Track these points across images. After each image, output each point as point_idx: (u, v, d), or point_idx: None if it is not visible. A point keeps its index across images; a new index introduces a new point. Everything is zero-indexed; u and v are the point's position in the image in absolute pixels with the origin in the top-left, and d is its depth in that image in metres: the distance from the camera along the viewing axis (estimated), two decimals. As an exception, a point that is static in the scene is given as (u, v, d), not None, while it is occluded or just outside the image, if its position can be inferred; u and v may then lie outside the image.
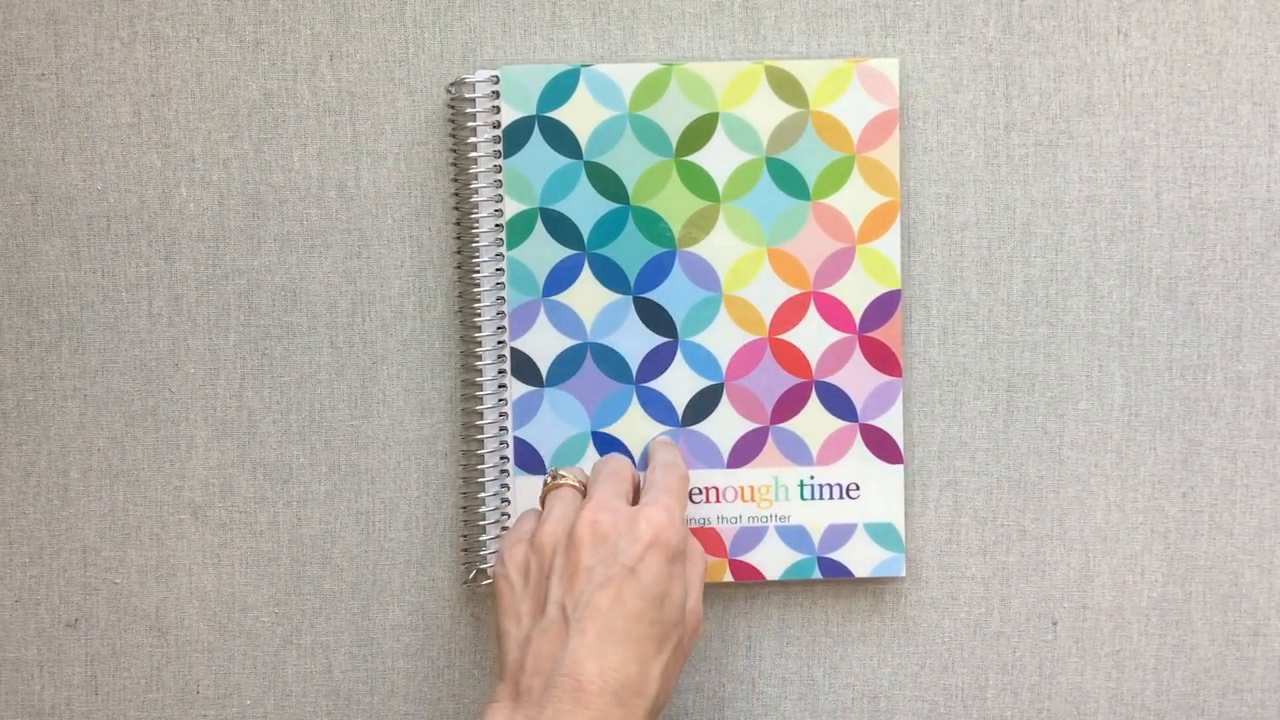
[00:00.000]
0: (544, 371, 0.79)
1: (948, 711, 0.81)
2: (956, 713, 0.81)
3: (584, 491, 0.74)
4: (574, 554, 0.68)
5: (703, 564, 0.74)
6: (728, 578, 0.79)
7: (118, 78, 0.79)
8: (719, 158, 0.78)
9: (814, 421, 0.79)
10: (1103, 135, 0.79)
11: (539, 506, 0.75)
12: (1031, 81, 0.79)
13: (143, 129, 0.79)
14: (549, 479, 0.75)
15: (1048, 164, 0.79)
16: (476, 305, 0.79)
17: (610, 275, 0.78)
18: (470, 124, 0.78)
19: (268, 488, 0.80)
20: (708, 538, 0.79)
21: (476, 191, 0.78)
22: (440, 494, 0.80)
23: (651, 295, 0.79)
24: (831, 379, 0.79)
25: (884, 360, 0.79)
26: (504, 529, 0.79)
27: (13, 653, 0.81)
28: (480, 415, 0.79)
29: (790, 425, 0.79)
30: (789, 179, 0.78)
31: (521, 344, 0.79)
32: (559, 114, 0.78)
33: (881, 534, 0.79)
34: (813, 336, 0.79)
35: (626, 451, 0.79)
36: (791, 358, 0.79)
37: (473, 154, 0.78)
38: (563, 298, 0.79)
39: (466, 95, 0.78)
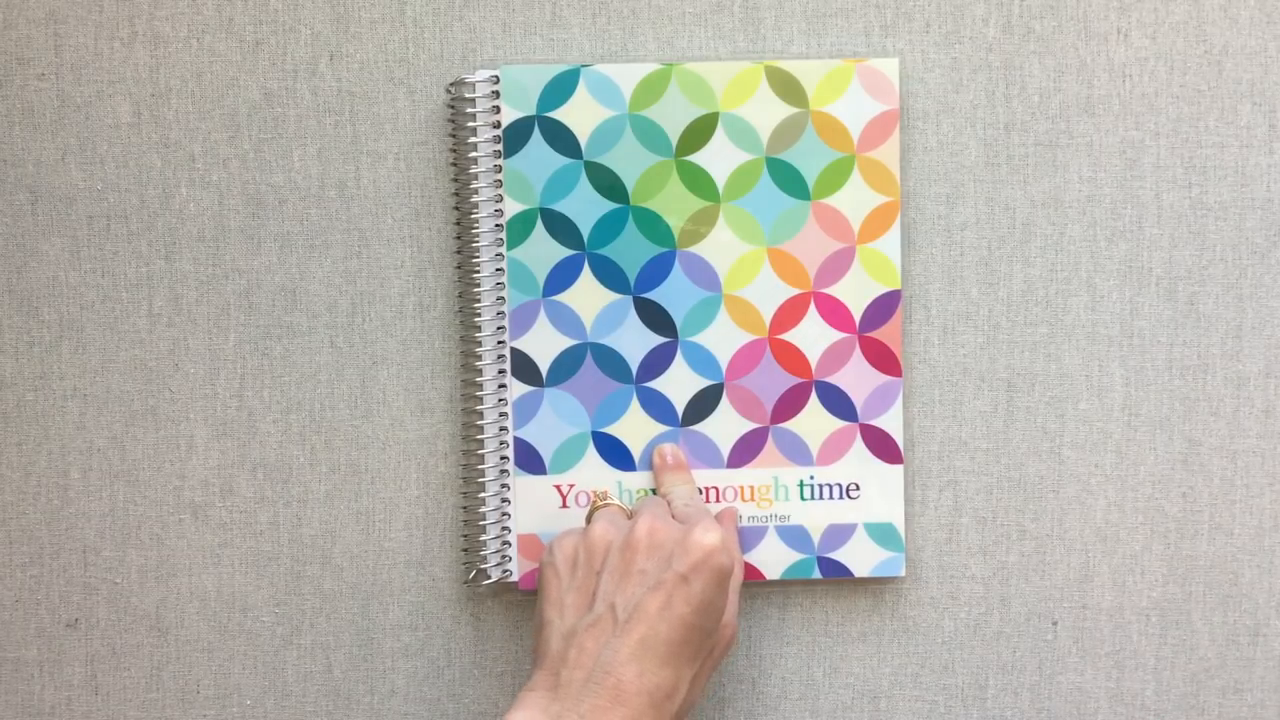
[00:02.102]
0: (544, 371, 0.79)
1: (948, 711, 0.81)
2: (956, 713, 0.81)
3: (629, 515, 0.75)
4: (629, 555, 0.69)
5: (739, 582, 0.76)
6: (728, 578, 0.80)
7: (118, 78, 0.79)
8: (719, 158, 0.78)
9: (814, 421, 0.79)
10: (1103, 135, 0.79)
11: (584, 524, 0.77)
12: (1031, 81, 0.79)
13: (143, 129, 0.79)
14: (596, 499, 0.77)
15: (1048, 164, 0.79)
16: (476, 305, 0.79)
17: (610, 275, 0.78)
18: (470, 124, 0.78)
19: (268, 488, 0.80)
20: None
21: (476, 191, 0.78)
22: (440, 494, 0.80)
23: (651, 295, 0.79)
24: (831, 379, 0.79)
25: (884, 360, 0.79)
26: (504, 529, 0.79)
27: (13, 653, 0.81)
28: (480, 415, 0.79)
29: (790, 425, 0.79)
30: (789, 179, 0.78)
31: (521, 344, 0.79)
32: (559, 114, 0.78)
33: (881, 534, 0.79)
34: (813, 336, 0.79)
35: (626, 451, 0.79)
36: (791, 358, 0.79)
37: (473, 154, 0.78)
38: (563, 298, 0.79)
39: (466, 95, 0.78)
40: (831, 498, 0.79)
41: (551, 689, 0.67)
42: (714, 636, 0.70)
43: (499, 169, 0.78)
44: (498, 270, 0.78)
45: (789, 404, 0.79)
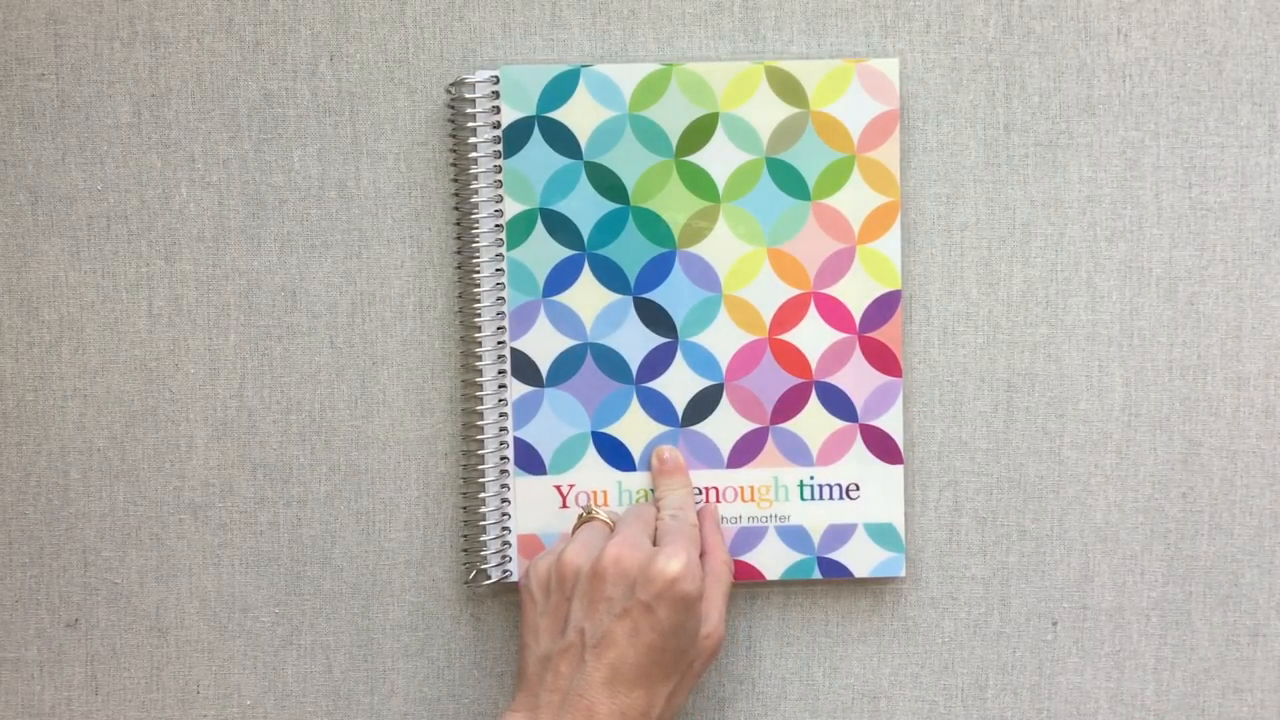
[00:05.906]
0: (544, 371, 0.79)
1: (948, 711, 0.81)
2: (956, 713, 0.81)
3: (613, 529, 0.76)
4: (597, 582, 0.70)
5: (726, 585, 0.76)
6: (728, 578, 0.80)
7: (118, 78, 0.79)
8: (719, 158, 0.78)
9: (814, 422, 0.79)
10: (1103, 135, 0.79)
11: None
12: (1031, 81, 0.79)
13: (143, 129, 0.79)
14: (583, 513, 0.78)
15: (1048, 164, 0.79)
16: (476, 305, 0.79)
17: (610, 275, 0.78)
18: (470, 124, 0.78)
19: (268, 488, 0.80)
20: (708, 538, 0.79)
21: (476, 192, 0.78)
22: (440, 494, 0.80)
23: (651, 295, 0.79)
24: (831, 379, 0.79)
25: (884, 360, 0.79)
26: (504, 529, 0.79)
27: (13, 653, 0.81)
28: (480, 415, 0.79)
29: (790, 425, 0.79)
30: (789, 179, 0.78)
31: (521, 344, 0.79)
32: (559, 114, 0.78)
33: (881, 534, 0.79)
34: (813, 336, 0.79)
35: (626, 452, 0.79)
36: (791, 358, 0.79)
37: (473, 154, 0.78)
38: (563, 298, 0.79)
39: (466, 95, 0.78)
40: (831, 498, 0.79)
41: (531, 710, 0.70)
42: (690, 652, 0.72)
43: (499, 169, 0.78)
44: (498, 270, 0.78)
45: (789, 404, 0.79)
